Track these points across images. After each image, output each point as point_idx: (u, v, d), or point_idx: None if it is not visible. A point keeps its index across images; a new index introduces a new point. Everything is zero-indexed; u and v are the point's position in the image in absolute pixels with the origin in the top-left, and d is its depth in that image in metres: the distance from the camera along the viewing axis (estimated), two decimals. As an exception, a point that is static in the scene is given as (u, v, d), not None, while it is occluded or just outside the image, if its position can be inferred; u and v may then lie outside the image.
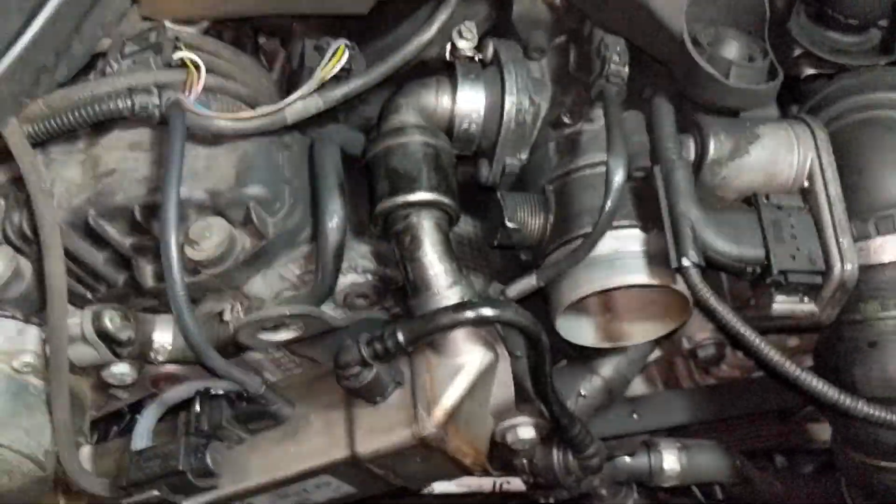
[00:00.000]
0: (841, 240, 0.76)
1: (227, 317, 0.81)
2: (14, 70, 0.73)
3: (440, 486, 0.99)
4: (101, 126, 0.81)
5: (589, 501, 1.09)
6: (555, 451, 0.87)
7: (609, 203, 0.73)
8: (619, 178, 0.73)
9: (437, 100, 0.85)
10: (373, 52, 0.84)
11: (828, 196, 0.78)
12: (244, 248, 0.79)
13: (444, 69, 0.85)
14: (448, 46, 0.85)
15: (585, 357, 0.93)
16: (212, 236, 0.78)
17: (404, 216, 0.80)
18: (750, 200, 0.78)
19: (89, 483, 0.84)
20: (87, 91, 0.77)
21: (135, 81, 0.77)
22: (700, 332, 1.06)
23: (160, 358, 0.82)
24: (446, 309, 0.73)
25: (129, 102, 0.75)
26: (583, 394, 0.92)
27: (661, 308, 0.85)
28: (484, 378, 0.79)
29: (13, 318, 0.80)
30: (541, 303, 0.84)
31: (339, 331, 0.83)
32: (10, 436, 0.77)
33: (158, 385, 0.95)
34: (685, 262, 0.73)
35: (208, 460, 0.81)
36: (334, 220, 0.79)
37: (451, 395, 0.78)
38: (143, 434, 0.87)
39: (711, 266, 0.74)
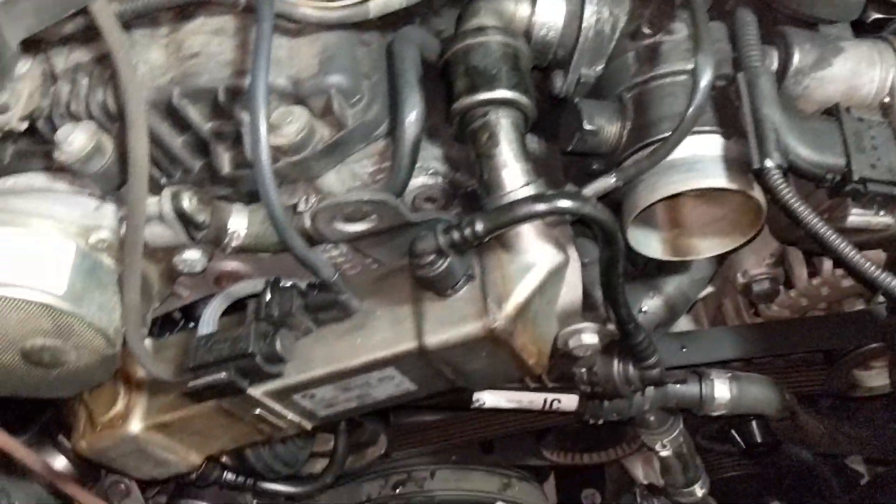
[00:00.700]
0: (920, 154, 0.76)
1: (301, 207, 0.82)
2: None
3: (491, 400, 1.00)
4: (185, 12, 0.83)
5: (634, 430, 1.11)
6: (615, 361, 0.88)
7: (694, 103, 0.73)
8: (706, 78, 0.73)
9: (517, 6, 0.85)
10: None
11: (908, 111, 0.78)
12: (322, 138, 0.80)
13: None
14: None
15: (647, 275, 0.94)
16: (293, 122, 0.79)
17: (482, 114, 0.80)
18: (831, 111, 0.79)
19: (153, 366, 0.85)
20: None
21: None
22: (755, 267, 1.06)
23: (234, 244, 0.83)
24: (525, 199, 0.74)
25: (217, -14, 0.76)
26: (644, 310, 0.93)
27: (729, 224, 0.85)
28: (554, 278, 0.80)
29: (90, 194, 0.81)
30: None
31: (409, 228, 0.84)
32: (86, 309, 0.78)
33: (220, 283, 0.97)
34: (768, 164, 0.73)
35: (278, 346, 0.81)
36: (413, 114, 0.80)
37: (521, 291, 0.78)
38: (209, 322, 0.88)
39: (792, 171, 0.75)
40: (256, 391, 0.85)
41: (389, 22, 0.85)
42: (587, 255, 0.83)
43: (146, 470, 0.96)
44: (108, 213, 0.81)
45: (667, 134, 0.78)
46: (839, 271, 1.00)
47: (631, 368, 0.87)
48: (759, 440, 1.22)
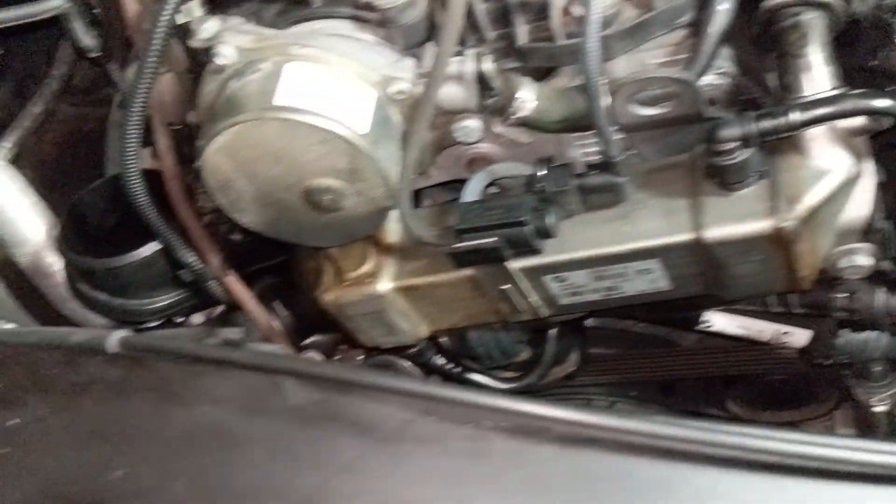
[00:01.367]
0: None
1: (590, 87, 0.83)
2: None
3: (720, 323, 0.99)
4: None
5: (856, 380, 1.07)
6: (881, 291, 0.86)
7: None
8: None
9: None
10: None
11: None
12: (629, 18, 0.81)
13: None
14: None
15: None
16: (604, -3, 0.79)
17: (794, 13, 0.79)
18: None
19: (419, 226, 0.87)
20: None
21: None
22: None
23: (520, 114, 0.83)
24: (846, 95, 0.73)
25: None
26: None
27: None
28: (845, 189, 0.78)
29: (391, 48, 0.84)
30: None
31: (690, 125, 0.83)
32: (380, 155, 0.81)
33: (472, 167, 0.98)
34: None
35: (550, 220, 0.83)
36: (727, 2, 0.79)
37: (814, 196, 0.77)
38: (475, 192, 0.90)
39: None
40: (513, 265, 0.86)
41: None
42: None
43: (375, 334, 0.99)
44: (407, 66, 0.83)
45: None
46: None
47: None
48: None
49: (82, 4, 1.03)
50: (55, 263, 1.14)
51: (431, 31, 0.83)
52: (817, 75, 0.77)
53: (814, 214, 0.77)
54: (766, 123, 0.73)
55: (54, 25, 1.05)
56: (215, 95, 0.84)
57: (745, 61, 0.87)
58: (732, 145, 0.75)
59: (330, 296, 0.95)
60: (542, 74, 0.89)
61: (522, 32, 0.84)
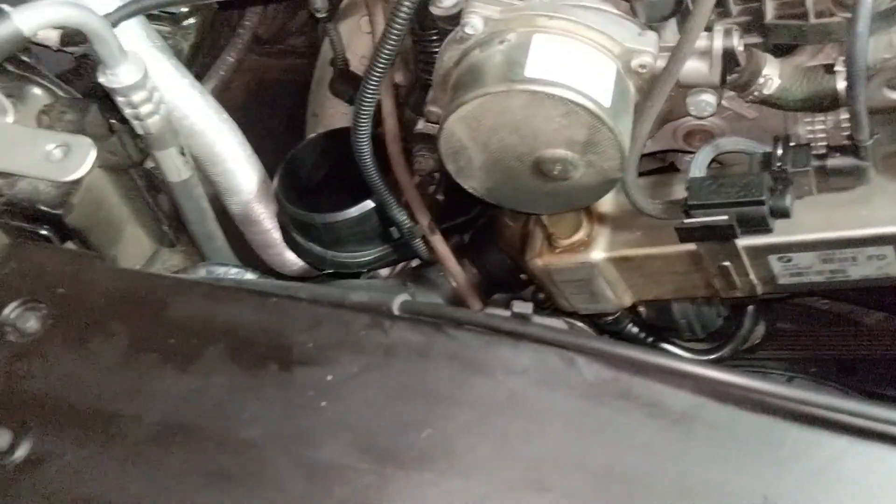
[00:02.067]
0: None
1: (838, 67, 0.81)
2: None
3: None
4: None
5: None
6: None
7: None
8: None
9: None
10: None
11: None
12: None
13: None
14: None
15: None
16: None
17: None
18: None
19: (644, 199, 0.88)
20: None
21: None
22: None
23: (764, 91, 0.82)
24: None
25: None
26: None
27: None
28: None
29: (635, 20, 0.84)
30: None
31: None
32: (620, 128, 0.82)
33: (691, 140, 0.98)
34: None
35: (788, 200, 0.82)
36: None
37: None
38: (701, 167, 0.89)
39: None
40: (741, 242, 0.86)
41: None
42: None
43: (578, 300, 1.01)
44: (651, 40, 0.83)
45: None
46: None
47: None
48: None
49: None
50: (263, 213, 1.20)
51: (675, 6, 0.82)
52: None
53: None
54: None
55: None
56: (456, 64, 0.86)
57: None
58: None
59: (541, 261, 0.97)
60: (780, 51, 0.87)
61: (770, 8, 0.82)
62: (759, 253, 0.87)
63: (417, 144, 1.00)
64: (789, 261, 0.87)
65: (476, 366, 0.59)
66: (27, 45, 1.02)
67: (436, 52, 0.92)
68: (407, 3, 0.84)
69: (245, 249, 1.28)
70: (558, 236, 0.96)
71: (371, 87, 0.90)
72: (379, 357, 0.60)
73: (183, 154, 1.02)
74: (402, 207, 1.03)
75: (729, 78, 0.83)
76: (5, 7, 0.84)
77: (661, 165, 1.05)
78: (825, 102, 0.83)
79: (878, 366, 1.29)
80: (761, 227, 0.83)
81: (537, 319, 0.63)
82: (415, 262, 1.20)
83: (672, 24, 0.86)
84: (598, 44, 0.82)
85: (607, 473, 0.54)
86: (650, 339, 1.09)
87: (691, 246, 0.88)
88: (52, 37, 1.05)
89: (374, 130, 0.95)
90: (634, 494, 0.54)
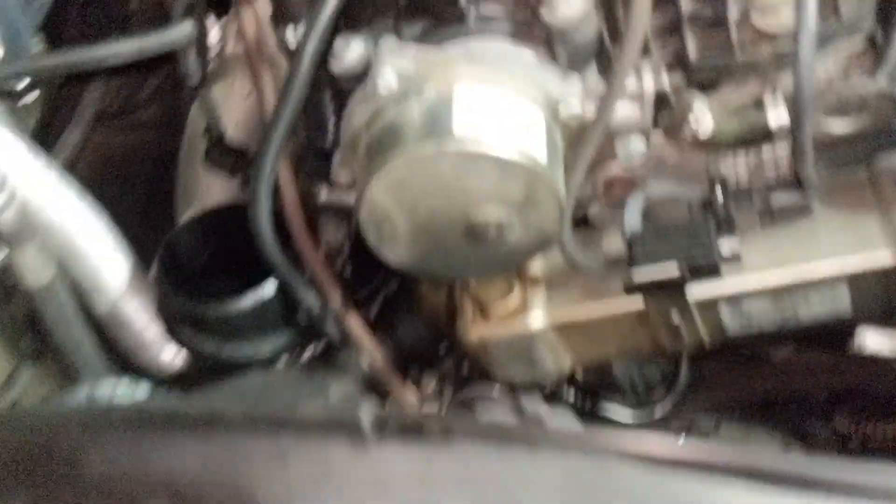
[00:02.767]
0: None
1: (768, 101, 0.78)
2: None
3: (874, 344, 0.94)
4: None
5: None
6: None
7: None
8: None
9: None
10: None
11: None
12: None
13: None
14: None
15: None
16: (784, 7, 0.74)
17: None
18: None
19: (580, 256, 0.81)
20: None
21: None
22: None
23: (699, 135, 0.78)
24: None
25: None
26: None
27: None
28: None
29: (556, 65, 0.77)
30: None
31: (872, 139, 0.79)
32: (557, 183, 0.75)
33: (610, 190, 0.92)
34: None
35: (736, 243, 0.77)
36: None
37: None
38: (635, 217, 0.83)
39: None
40: (692, 296, 0.81)
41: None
42: None
43: (515, 371, 0.92)
44: (575, 85, 0.77)
45: None
46: None
47: None
48: None
49: (200, 32, 0.94)
50: (135, 310, 1.04)
51: (596, 48, 0.77)
52: None
53: None
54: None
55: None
56: (367, 125, 0.77)
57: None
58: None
59: (475, 334, 0.88)
60: (701, 87, 0.84)
61: (692, 45, 0.78)
62: (708, 304, 0.82)
63: (322, 216, 0.89)
64: (741, 307, 0.83)
65: (499, 490, 0.46)
66: None
67: (326, 114, 0.84)
68: (307, 59, 0.75)
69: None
70: (489, 303, 0.88)
71: (270, 155, 0.79)
72: (370, 497, 0.45)
73: (42, 252, 0.86)
74: (308, 286, 0.92)
75: (665, 121, 0.78)
76: None
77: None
78: (758, 138, 0.80)
79: (800, 400, 1.29)
80: (712, 273, 0.78)
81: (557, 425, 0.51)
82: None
83: (593, 67, 0.81)
84: (524, 93, 0.75)
85: None
86: (588, 406, 1.02)
87: (638, 302, 0.82)
88: None
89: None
90: None
